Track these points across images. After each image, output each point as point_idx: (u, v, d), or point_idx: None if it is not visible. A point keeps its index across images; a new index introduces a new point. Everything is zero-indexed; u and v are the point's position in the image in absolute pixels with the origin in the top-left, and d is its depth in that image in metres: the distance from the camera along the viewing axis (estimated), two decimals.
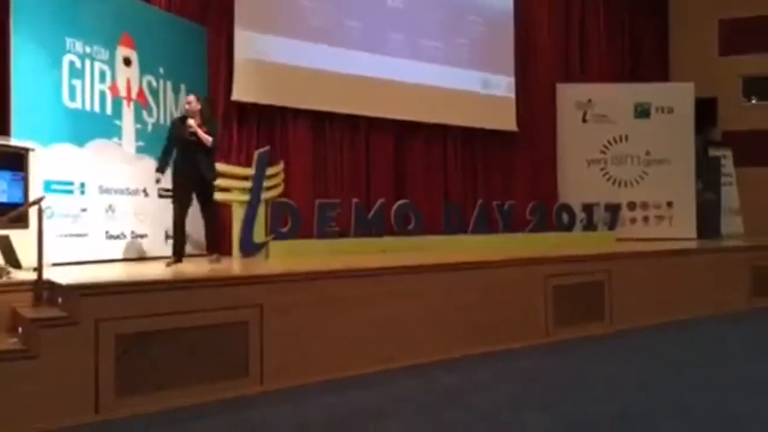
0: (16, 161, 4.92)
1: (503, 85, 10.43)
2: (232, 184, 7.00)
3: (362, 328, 4.94)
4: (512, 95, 10.52)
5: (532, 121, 10.80)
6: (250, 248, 6.88)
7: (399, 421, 3.75)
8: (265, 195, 7.03)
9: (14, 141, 5.19)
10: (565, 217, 9.60)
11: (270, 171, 7.08)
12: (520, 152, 10.71)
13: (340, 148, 8.90)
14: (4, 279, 4.34)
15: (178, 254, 5.97)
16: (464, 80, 9.93)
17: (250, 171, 7.00)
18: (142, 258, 6.65)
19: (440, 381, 4.66)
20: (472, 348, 5.47)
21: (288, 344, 4.57)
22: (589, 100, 11.13)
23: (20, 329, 3.90)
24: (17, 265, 4.63)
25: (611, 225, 10.11)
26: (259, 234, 6.98)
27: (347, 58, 8.78)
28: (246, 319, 4.43)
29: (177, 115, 7.19)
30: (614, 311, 6.67)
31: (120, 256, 6.46)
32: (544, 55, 11.11)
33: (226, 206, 7.21)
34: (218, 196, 7.07)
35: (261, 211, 7.01)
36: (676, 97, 11.03)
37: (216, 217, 6.38)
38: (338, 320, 4.84)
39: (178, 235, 5.99)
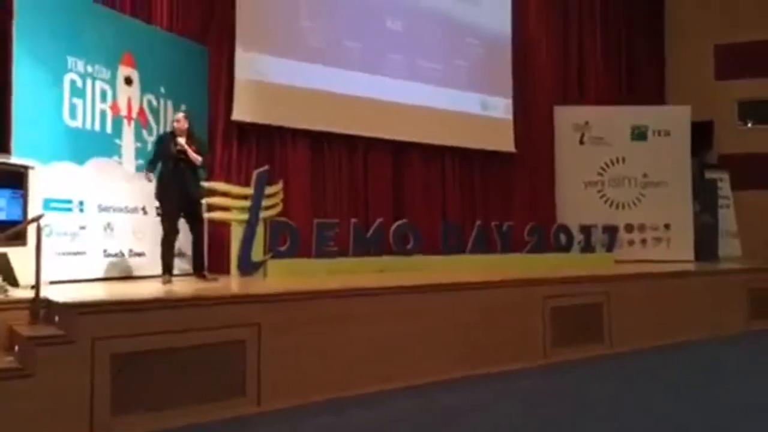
0: (15, 179, 4.92)
1: (501, 107, 10.52)
2: (231, 203, 7.02)
3: (360, 348, 4.91)
4: (510, 117, 10.60)
5: (530, 143, 10.88)
6: (248, 267, 6.88)
7: None
8: (263, 214, 7.05)
9: (14, 159, 5.20)
10: (562, 238, 9.61)
11: (269, 190, 7.10)
12: (518, 173, 10.77)
13: (338, 168, 8.93)
14: (1, 297, 4.32)
15: (169, 270, 6.01)
16: (462, 101, 10.02)
17: (249, 190, 7.02)
18: (139, 277, 6.63)
19: (438, 401, 4.63)
20: (471, 368, 5.44)
21: (286, 364, 4.54)
22: (587, 123, 11.21)
23: (17, 347, 3.88)
24: (14, 282, 4.62)
25: (609, 247, 10.12)
26: (257, 253, 6.98)
27: (346, 79, 8.86)
28: (243, 338, 4.41)
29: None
30: (613, 333, 6.65)
31: (118, 275, 6.44)
32: (541, 78, 11.23)
33: (225, 225, 7.23)
34: (217, 215, 7.10)
35: (260, 230, 7.02)
36: (673, 120, 11.12)
37: (202, 236, 6.44)
38: (336, 340, 4.82)
39: (167, 251, 6.06)
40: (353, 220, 8.09)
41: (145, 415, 3.94)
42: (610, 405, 4.55)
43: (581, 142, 11.21)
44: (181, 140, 6.04)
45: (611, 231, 10.26)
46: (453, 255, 8.47)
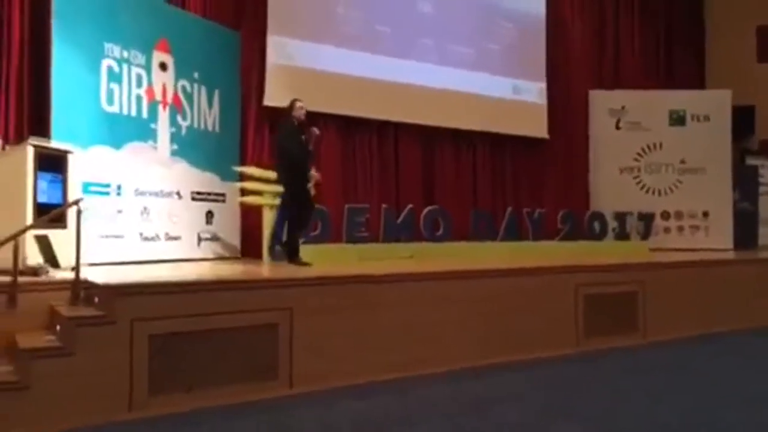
0: (56, 163, 5.03)
1: (534, 91, 10.35)
2: (262, 187, 7.08)
3: (391, 334, 4.93)
4: (543, 102, 10.43)
5: (563, 128, 10.69)
6: (279, 252, 6.93)
7: (426, 428, 3.73)
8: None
9: (54, 143, 5.32)
10: (596, 225, 9.46)
11: None
12: (551, 159, 10.61)
13: (369, 153, 8.92)
14: (43, 278, 4.44)
15: (296, 255, 6.04)
16: (494, 86, 9.88)
17: None
18: (175, 260, 6.75)
19: (469, 389, 4.63)
20: (501, 356, 5.41)
21: (317, 347, 4.58)
22: (623, 107, 10.97)
23: (58, 327, 3.99)
24: (56, 264, 4.74)
25: (645, 234, 9.93)
26: None
27: (377, 64, 8.82)
28: (276, 322, 4.46)
29: (211, 118, 7.33)
30: (648, 322, 6.53)
31: (154, 258, 6.56)
32: (576, 61, 11.00)
33: (257, 209, 7.29)
34: (249, 199, 7.17)
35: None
36: (713, 104, 10.80)
37: (308, 222, 6.37)
38: (367, 325, 4.84)
39: (293, 234, 6.06)
40: (384, 205, 8.10)
41: (181, 395, 4.02)
42: (644, 396, 4.48)
43: (617, 128, 10.98)
44: (315, 129, 6.07)
45: (647, 218, 10.06)
46: (483, 242, 8.41)
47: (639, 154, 10.89)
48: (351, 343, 4.74)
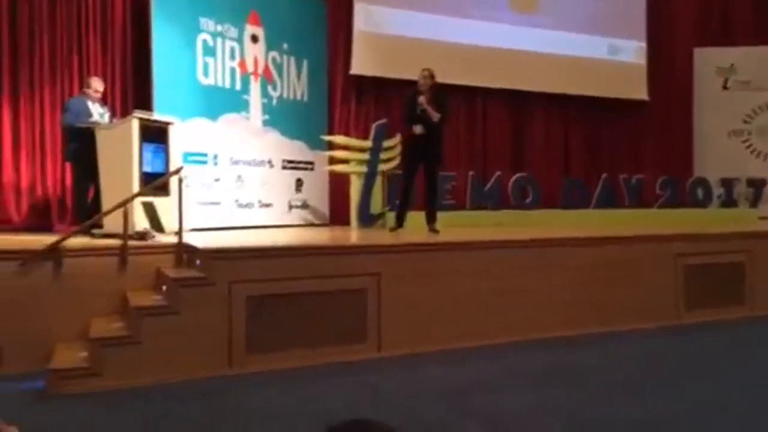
0: (159, 135, 5.32)
1: (632, 51, 9.76)
2: (350, 155, 7.17)
3: (479, 301, 4.90)
4: (643, 62, 9.82)
5: (665, 89, 10.03)
6: (367, 219, 7.04)
7: (512, 395, 3.70)
8: (382, 167, 7.14)
9: (156, 115, 5.62)
10: (700, 192, 8.90)
11: (387, 143, 7.16)
12: (651, 123, 10.01)
13: (456, 120, 8.78)
14: (149, 242, 4.75)
15: (400, 220, 6.08)
16: (588, 46, 9.40)
17: (368, 143, 7.12)
18: (267, 226, 7.01)
19: (559, 358, 4.53)
20: (594, 326, 5.24)
21: (405, 313, 4.64)
22: (732, 65, 10.13)
23: (164, 287, 4.27)
24: (161, 229, 5.05)
25: (754, 202, 9.23)
26: (375, 205, 7.11)
27: (464, 28, 8.62)
28: (365, 287, 4.55)
29: (300, 88, 7.48)
30: (756, 294, 6.10)
31: (248, 224, 6.85)
32: (680, 17, 10.23)
33: (345, 177, 7.41)
34: (336, 167, 7.29)
35: (378, 182, 7.13)
36: None
37: (435, 189, 6.11)
38: (455, 292, 4.83)
39: (403, 202, 6.10)
40: (471, 172, 7.99)
41: (275, 354, 4.21)
42: (751, 372, 4.21)
43: (725, 87, 10.17)
44: (422, 98, 5.82)
45: (757, 185, 9.32)
46: (576, 210, 8.13)
47: (749, 116, 10.06)
48: (438, 310, 4.75)
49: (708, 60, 10.21)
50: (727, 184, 9.07)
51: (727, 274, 6.02)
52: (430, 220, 6.02)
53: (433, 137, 5.87)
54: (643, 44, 9.82)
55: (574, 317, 5.23)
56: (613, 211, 8.25)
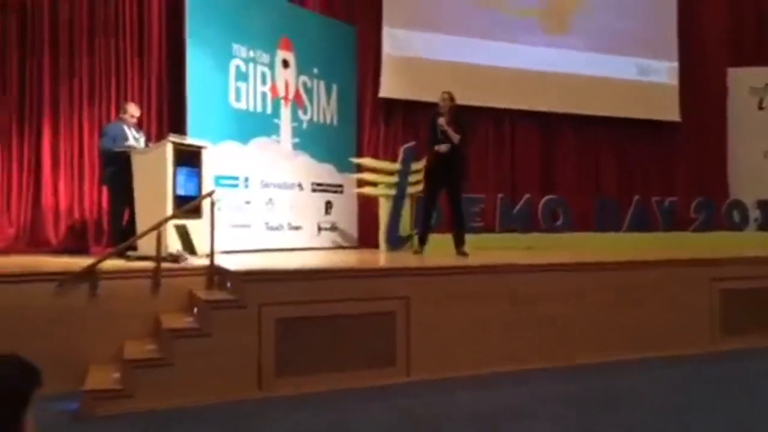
0: (192, 158, 5.42)
1: (664, 71, 9.65)
2: (378, 178, 7.21)
3: (509, 325, 4.84)
4: (675, 82, 9.70)
5: (698, 110, 9.87)
6: (395, 241, 7.04)
7: (545, 423, 3.63)
8: (410, 189, 7.15)
9: (190, 139, 5.74)
10: (736, 215, 8.69)
11: (415, 166, 7.17)
12: (684, 144, 9.85)
13: (484, 142, 8.80)
14: (182, 264, 4.82)
15: (423, 242, 6.09)
16: (619, 67, 9.33)
17: (397, 166, 7.15)
18: (296, 249, 7.06)
19: (592, 385, 4.44)
20: (627, 353, 5.12)
21: (434, 337, 4.60)
22: (766, 85, 9.94)
23: (195, 309, 4.32)
24: (193, 251, 5.13)
25: None
26: (404, 228, 7.11)
27: (493, 50, 8.65)
28: (393, 310, 4.54)
29: (329, 112, 7.57)
30: None
31: (278, 246, 6.91)
32: (712, 36, 10.09)
33: (373, 200, 7.45)
34: (365, 190, 7.33)
35: (406, 205, 7.14)
36: None
37: (460, 213, 6.07)
38: (484, 316, 4.79)
39: (425, 224, 6.10)
40: (500, 195, 7.95)
41: (304, 377, 4.21)
42: None
43: (760, 108, 9.98)
44: (441, 120, 5.89)
45: None
46: (607, 233, 8.01)
47: None
48: (467, 334, 4.71)
49: (742, 80, 10.04)
50: (764, 206, 8.84)
51: (765, 299, 5.84)
52: (459, 243, 6.00)
53: (455, 158, 5.90)
54: (675, 64, 9.71)
55: (606, 343, 5.13)
56: (645, 234, 8.11)
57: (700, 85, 9.94)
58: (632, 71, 9.46)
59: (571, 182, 9.12)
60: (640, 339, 5.25)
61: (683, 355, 5.23)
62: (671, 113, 9.66)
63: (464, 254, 5.88)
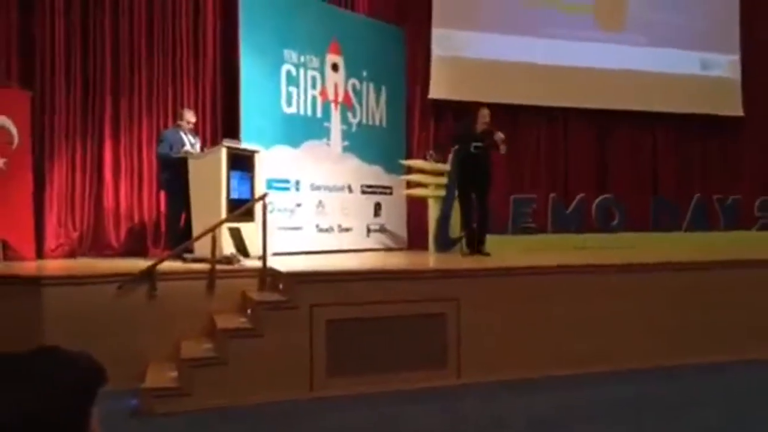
0: (245, 162, 5.55)
1: (726, 65, 9.25)
2: (427, 179, 7.18)
3: (563, 327, 4.73)
4: (737, 76, 9.28)
5: (761, 104, 9.41)
6: (446, 243, 6.98)
7: (600, 428, 3.53)
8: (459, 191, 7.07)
9: (244, 144, 5.87)
10: None
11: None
12: (747, 140, 9.41)
13: (537, 141, 8.65)
14: (236, 266, 4.93)
15: (471, 246, 6.17)
16: (678, 62, 8.99)
17: (446, 167, 7.09)
18: (346, 250, 7.10)
19: (651, 390, 4.29)
20: (692, 357, 4.91)
21: (485, 339, 4.55)
22: None
23: (249, 310, 4.41)
24: (246, 254, 5.24)
25: None
26: (454, 229, 7.05)
27: (544, 48, 8.48)
28: (444, 312, 4.51)
29: (378, 114, 7.59)
30: None
31: (328, 248, 6.97)
32: None
33: (423, 202, 7.42)
34: (415, 191, 7.31)
35: (456, 206, 7.08)
36: None
37: (488, 209, 6.31)
38: (535, 317, 4.70)
39: (469, 229, 6.23)
40: (552, 194, 7.80)
41: (355, 378, 4.23)
42: None
43: None
44: (499, 135, 6.09)
45: None
46: (666, 232, 7.74)
47: None
48: (519, 336, 4.63)
49: None
50: None
51: None
52: (482, 242, 6.10)
53: (487, 162, 6.20)
54: (737, 58, 9.30)
55: (670, 347, 4.95)
56: (707, 233, 7.79)
57: (764, 78, 9.47)
58: (692, 66, 9.10)
59: (628, 181, 8.84)
60: (706, 342, 5.03)
61: (752, 359, 4.99)
62: (733, 108, 9.25)
63: (487, 254, 5.97)
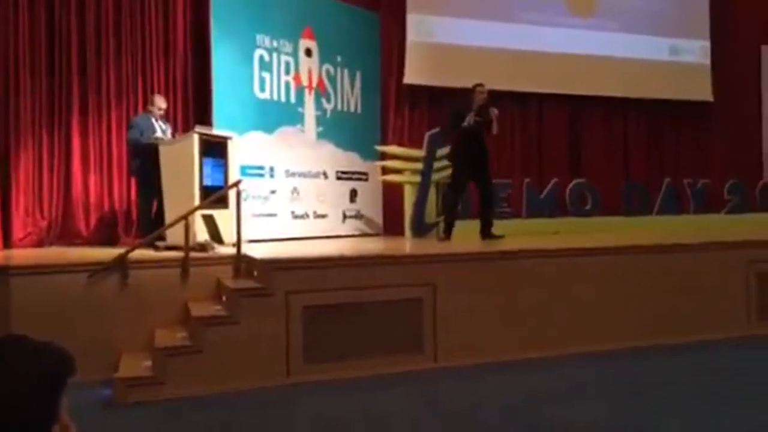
0: (218, 149, 5.46)
1: (696, 51, 9.39)
2: (403, 165, 7.17)
3: (536, 311, 4.78)
4: (707, 61, 9.44)
5: (730, 90, 9.60)
6: (421, 228, 7.01)
7: (576, 409, 3.59)
8: (435, 176, 7.10)
9: (216, 131, 5.78)
10: None
11: (440, 152, 7.11)
12: (716, 125, 9.60)
13: (510, 127, 8.68)
14: (210, 253, 4.88)
15: (448, 232, 6.14)
16: (649, 47, 9.10)
17: (421, 153, 7.10)
18: (322, 237, 7.08)
19: (623, 371, 4.37)
20: (661, 338, 5.03)
21: (461, 323, 4.58)
22: None
23: (224, 298, 4.36)
24: (220, 241, 5.18)
25: None
26: (429, 215, 7.08)
27: (518, 34, 8.51)
28: (420, 297, 4.52)
29: (353, 100, 7.54)
30: None
31: (304, 235, 6.93)
32: (745, 14, 9.77)
33: (398, 187, 7.42)
34: (390, 177, 7.31)
35: (432, 192, 7.10)
36: None
37: (492, 192, 6.27)
38: (511, 301, 4.74)
39: (453, 211, 6.20)
40: (526, 180, 7.86)
41: (332, 364, 4.23)
42: None
43: None
44: (494, 110, 6.03)
45: None
46: (637, 216, 7.87)
47: None
48: (495, 320, 4.67)
49: None
50: None
51: None
52: (489, 225, 6.11)
53: (484, 143, 6.11)
54: (707, 43, 9.44)
55: (639, 329, 5.04)
56: (677, 217, 7.94)
57: (733, 64, 9.65)
58: (662, 51, 9.22)
59: (600, 165, 8.97)
60: (672, 324, 5.14)
61: (718, 340, 5.12)
62: (703, 93, 9.41)
63: (497, 237, 6.00)
